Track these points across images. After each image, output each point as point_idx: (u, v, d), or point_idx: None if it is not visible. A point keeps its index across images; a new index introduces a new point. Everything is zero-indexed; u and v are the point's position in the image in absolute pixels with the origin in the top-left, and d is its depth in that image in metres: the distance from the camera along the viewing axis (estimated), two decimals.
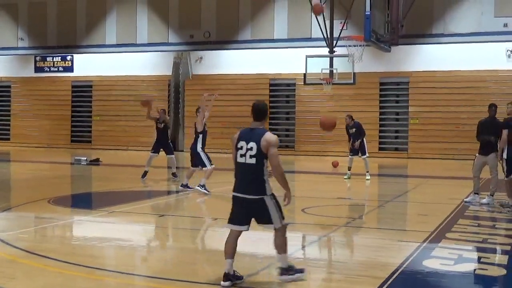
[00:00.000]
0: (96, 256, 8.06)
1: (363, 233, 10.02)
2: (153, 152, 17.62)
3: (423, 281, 6.97)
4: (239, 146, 6.58)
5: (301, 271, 6.75)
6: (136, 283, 6.68)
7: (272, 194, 6.63)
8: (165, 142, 17.89)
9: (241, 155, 6.57)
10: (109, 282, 6.83)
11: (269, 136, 6.53)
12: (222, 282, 6.45)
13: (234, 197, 6.70)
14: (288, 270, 6.68)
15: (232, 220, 6.69)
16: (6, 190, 16.25)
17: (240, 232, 6.70)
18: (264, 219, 6.65)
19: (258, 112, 6.67)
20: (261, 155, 6.49)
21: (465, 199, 13.11)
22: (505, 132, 12.07)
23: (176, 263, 7.94)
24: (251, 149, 6.50)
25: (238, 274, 6.62)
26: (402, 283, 6.91)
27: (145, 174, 17.24)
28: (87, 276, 6.91)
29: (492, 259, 8.07)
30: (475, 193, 13.05)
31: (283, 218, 6.71)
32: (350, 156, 18.09)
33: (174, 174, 17.48)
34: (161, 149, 17.73)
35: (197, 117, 14.62)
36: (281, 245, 6.75)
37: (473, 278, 7.19)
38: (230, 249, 6.63)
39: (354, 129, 18.03)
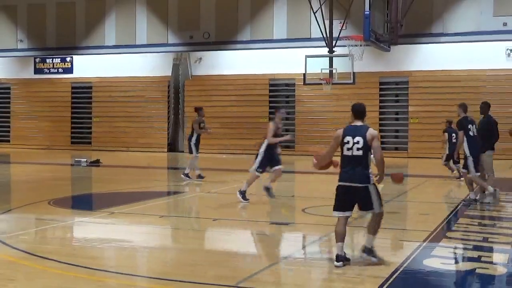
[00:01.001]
0: (97, 257, 8.05)
1: (363, 233, 10.01)
2: (199, 153, 17.52)
3: (424, 280, 6.97)
4: (345, 141, 7.50)
5: (377, 258, 7.45)
6: (137, 284, 6.68)
7: (374, 184, 7.49)
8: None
9: (348, 149, 7.48)
10: (110, 283, 6.83)
11: (373, 131, 7.53)
12: (335, 263, 7.30)
13: (340, 187, 7.53)
14: (370, 251, 7.47)
15: (338, 207, 7.52)
16: (6, 191, 16.25)
17: (347, 217, 7.51)
18: (367, 205, 7.49)
19: (359, 111, 7.72)
20: (366, 148, 7.43)
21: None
22: (461, 134, 12.52)
23: (177, 264, 7.94)
24: (357, 142, 7.42)
25: (347, 256, 7.45)
26: (403, 282, 6.91)
27: (200, 176, 17.29)
28: (88, 278, 6.91)
29: (493, 258, 8.07)
30: (482, 192, 13.03)
31: (382, 204, 7.54)
32: None
33: (187, 175, 17.29)
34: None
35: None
36: (374, 227, 7.58)
37: (474, 277, 7.19)
38: (341, 234, 7.43)
39: None
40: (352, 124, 7.70)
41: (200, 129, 17.48)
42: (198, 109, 17.92)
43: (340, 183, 7.53)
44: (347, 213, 7.49)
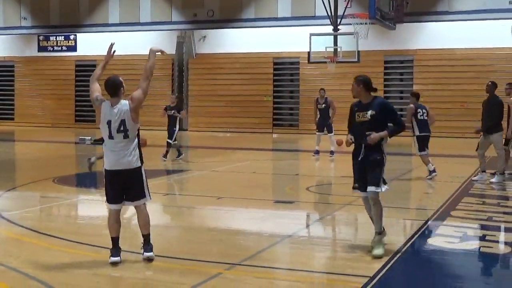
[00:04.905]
0: (101, 235, 8.05)
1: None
2: (319, 132, 18.35)
3: (428, 259, 6.98)
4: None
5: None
6: (141, 262, 6.69)
7: None
8: (327, 121, 18.38)
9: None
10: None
11: None
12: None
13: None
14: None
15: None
16: (10, 169, 16.29)
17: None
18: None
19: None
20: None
21: (472, 178, 13.08)
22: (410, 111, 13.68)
23: (181, 242, 7.96)
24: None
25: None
26: (407, 261, 6.91)
27: (317, 152, 18.26)
28: (92, 255, 6.94)
29: (497, 236, 8.07)
30: (482, 172, 13.01)
31: None
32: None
33: (332, 152, 18.19)
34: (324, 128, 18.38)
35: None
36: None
37: (478, 255, 7.19)
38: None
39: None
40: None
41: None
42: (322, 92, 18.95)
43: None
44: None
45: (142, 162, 6.75)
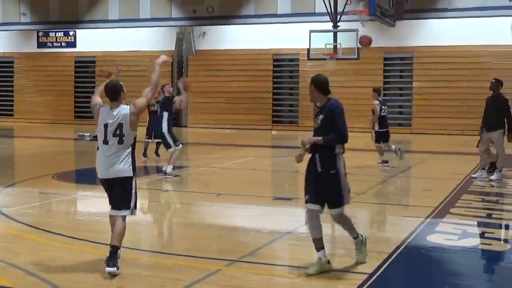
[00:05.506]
0: (101, 231, 8.06)
1: (366, 209, 10.01)
2: None
3: (427, 256, 6.98)
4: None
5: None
6: (140, 258, 6.71)
7: None
8: None
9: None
10: None
11: None
12: None
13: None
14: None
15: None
16: (10, 166, 16.29)
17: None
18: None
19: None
20: None
21: (472, 175, 13.09)
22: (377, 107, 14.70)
23: (180, 238, 7.97)
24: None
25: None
26: (406, 258, 6.93)
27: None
28: (92, 251, 6.94)
29: (496, 234, 8.08)
30: (482, 169, 13.01)
31: None
32: None
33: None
34: None
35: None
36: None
37: (477, 253, 7.20)
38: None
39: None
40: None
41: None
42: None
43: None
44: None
45: (135, 171, 6.45)
